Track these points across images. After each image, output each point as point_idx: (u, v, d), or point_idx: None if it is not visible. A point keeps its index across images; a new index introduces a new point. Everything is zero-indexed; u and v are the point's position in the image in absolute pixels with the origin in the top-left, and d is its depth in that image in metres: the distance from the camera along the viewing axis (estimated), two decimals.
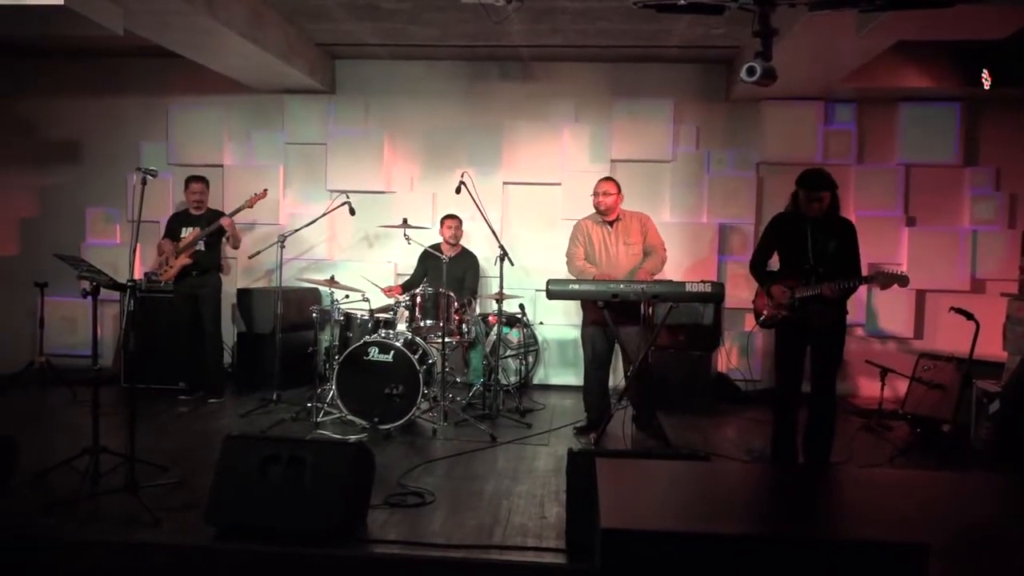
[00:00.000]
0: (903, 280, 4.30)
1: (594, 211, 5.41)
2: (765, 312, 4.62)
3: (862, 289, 6.45)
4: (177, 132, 7.40)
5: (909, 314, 6.88)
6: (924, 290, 6.87)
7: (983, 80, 6.00)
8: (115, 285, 4.05)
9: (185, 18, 5.03)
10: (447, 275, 5.85)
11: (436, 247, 6.37)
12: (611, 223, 5.33)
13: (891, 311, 6.89)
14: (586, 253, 5.36)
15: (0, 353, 7.04)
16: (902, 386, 5.92)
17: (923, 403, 5.50)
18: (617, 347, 5.24)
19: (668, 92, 7.07)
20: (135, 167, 4.25)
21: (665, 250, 5.43)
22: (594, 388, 5.34)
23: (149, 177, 4.05)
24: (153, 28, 5.28)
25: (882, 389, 5.76)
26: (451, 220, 6.50)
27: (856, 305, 6.49)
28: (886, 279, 4.31)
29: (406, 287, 6.37)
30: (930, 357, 5.70)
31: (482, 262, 6.89)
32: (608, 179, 5.44)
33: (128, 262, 4.37)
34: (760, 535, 2.27)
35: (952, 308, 5.25)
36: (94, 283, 4.03)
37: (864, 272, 4.52)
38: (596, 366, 5.33)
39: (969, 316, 5.04)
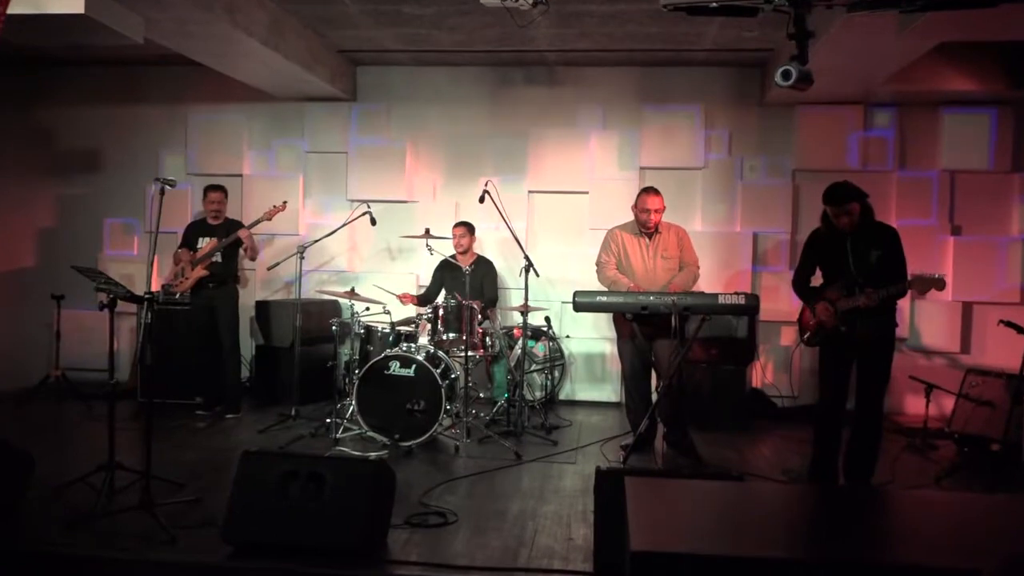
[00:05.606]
0: (939, 283, 4.25)
1: (629, 221, 5.38)
2: (810, 329, 4.58)
3: (905, 302, 6.39)
4: (197, 141, 7.51)
5: (955, 327, 6.76)
6: (971, 302, 6.76)
7: None
8: (132, 297, 4.12)
9: (206, 26, 5.12)
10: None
11: (454, 257, 6.39)
12: (649, 235, 5.30)
13: (936, 324, 6.78)
14: (619, 265, 5.35)
15: (16, 366, 7.18)
16: (948, 403, 5.83)
17: (971, 421, 5.41)
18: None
19: (699, 97, 7.05)
20: (154, 177, 4.31)
21: (698, 267, 5.40)
22: (638, 405, 5.30)
23: (168, 187, 4.11)
24: (173, 36, 5.38)
25: (927, 406, 5.67)
26: (456, 228, 6.49)
27: (899, 319, 6.42)
28: (923, 284, 4.27)
29: (424, 299, 6.40)
30: (978, 373, 5.61)
31: (506, 273, 6.91)
32: (656, 193, 5.26)
33: (146, 274, 4.43)
34: (798, 559, 2.24)
35: (1001, 321, 5.17)
36: (111, 295, 4.10)
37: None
38: (636, 381, 5.31)
39: (1020, 329, 4.95)
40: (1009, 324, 5.05)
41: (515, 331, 6.36)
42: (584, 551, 3.57)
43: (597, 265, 5.45)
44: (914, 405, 6.42)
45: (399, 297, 6.33)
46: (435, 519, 3.93)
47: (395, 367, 5.25)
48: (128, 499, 3.90)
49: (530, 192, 7.23)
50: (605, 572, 3.28)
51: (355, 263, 7.42)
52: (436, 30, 6.21)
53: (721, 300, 4.92)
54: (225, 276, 6.20)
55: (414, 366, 5.23)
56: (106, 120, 7.60)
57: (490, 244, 7.04)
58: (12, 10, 4.07)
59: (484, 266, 6.52)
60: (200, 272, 6.06)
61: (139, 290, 4.11)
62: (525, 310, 5.72)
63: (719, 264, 6.90)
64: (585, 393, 7.12)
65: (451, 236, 6.45)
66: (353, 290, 5.87)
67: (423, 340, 5.65)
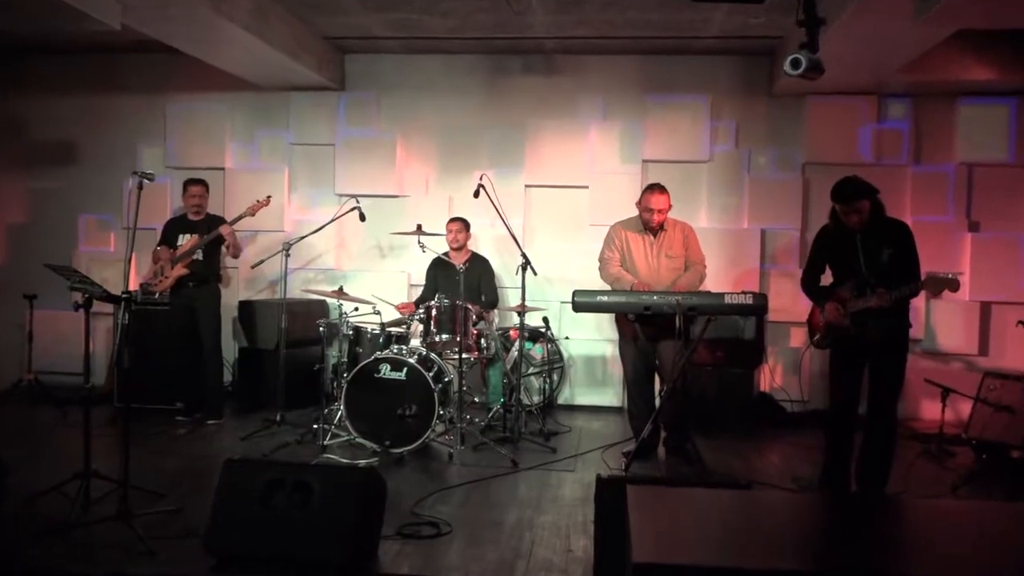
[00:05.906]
0: (953, 284, 4.25)
1: (633, 216, 5.38)
2: (820, 330, 4.59)
3: (919, 302, 6.40)
4: (176, 133, 7.50)
5: (973, 328, 6.78)
6: (989, 302, 6.78)
7: None
8: (109, 297, 4.11)
9: (186, 11, 5.11)
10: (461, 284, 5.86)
11: (447, 254, 6.39)
12: (654, 233, 5.31)
13: (952, 325, 6.80)
14: (622, 262, 5.35)
15: None
16: (965, 408, 5.84)
17: (989, 427, 5.41)
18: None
19: (704, 87, 7.06)
20: (131, 170, 4.31)
21: (705, 266, 5.42)
22: (641, 410, 5.30)
23: (146, 181, 4.10)
24: (152, 22, 5.37)
25: (943, 411, 5.68)
26: (450, 224, 6.49)
27: (913, 319, 6.46)
28: (936, 284, 4.26)
29: (419, 302, 6.39)
30: (997, 376, 5.62)
31: (503, 271, 6.91)
32: (662, 191, 5.27)
33: (123, 272, 4.43)
34: (807, 571, 2.24)
35: (1020, 322, 5.18)
36: (87, 295, 4.09)
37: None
38: (639, 385, 5.32)
39: None
40: None
41: (511, 332, 6.36)
42: (584, 563, 3.57)
43: (600, 261, 5.46)
44: (929, 410, 6.43)
45: (399, 308, 6.31)
46: (428, 530, 3.93)
47: (385, 370, 5.25)
48: (105, 509, 3.88)
49: (527, 186, 7.23)
50: None
51: (343, 261, 7.41)
52: (428, 16, 6.21)
53: (728, 300, 4.93)
54: (206, 275, 6.19)
55: (405, 369, 5.22)
56: (81, 110, 7.59)
57: (485, 241, 7.04)
58: None
59: (480, 264, 6.51)
60: (180, 271, 6.05)
61: (116, 289, 4.09)
62: (522, 310, 5.72)
63: (726, 262, 6.91)
64: (585, 397, 7.13)
65: (445, 232, 6.44)
66: (341, 289, 5.86)
67: (415, 342, 5.65)
